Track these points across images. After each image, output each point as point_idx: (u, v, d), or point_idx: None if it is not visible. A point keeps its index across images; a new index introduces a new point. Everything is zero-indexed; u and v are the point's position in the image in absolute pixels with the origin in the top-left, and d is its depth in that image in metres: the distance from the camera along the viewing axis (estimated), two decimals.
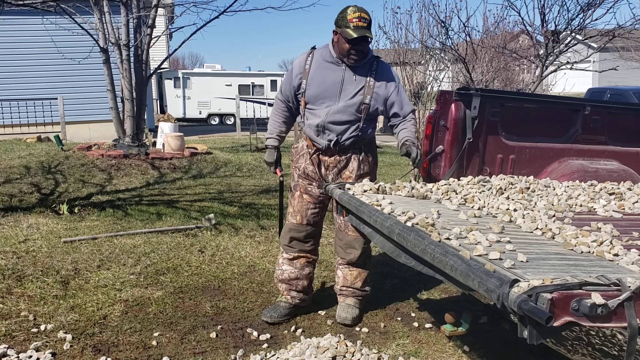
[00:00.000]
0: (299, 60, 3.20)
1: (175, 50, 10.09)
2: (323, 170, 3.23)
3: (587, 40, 8.11)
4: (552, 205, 2.76)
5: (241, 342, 3.01)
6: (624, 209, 2.78)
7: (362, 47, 3.00)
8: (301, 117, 3.25)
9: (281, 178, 3.50)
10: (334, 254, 4.56)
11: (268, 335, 3.08)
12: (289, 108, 3.33)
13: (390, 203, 2.61)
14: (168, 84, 23.09)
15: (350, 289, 3.33)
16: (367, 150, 3.25)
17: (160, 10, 11.15)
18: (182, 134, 9.27)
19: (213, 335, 3.06)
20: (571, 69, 7.38)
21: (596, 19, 7.26)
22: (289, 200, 3.38)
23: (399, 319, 3.35)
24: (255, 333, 3.10)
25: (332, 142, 3.13)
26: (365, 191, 2.95)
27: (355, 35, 2.90)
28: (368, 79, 3.09)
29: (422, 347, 2.99)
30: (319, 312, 3.42)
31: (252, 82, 23.48)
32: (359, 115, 3.11)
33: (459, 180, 3.24)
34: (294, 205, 3.31)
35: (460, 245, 1.97)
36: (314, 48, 3.18)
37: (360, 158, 3.21)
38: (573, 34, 7.51)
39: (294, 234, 3.29)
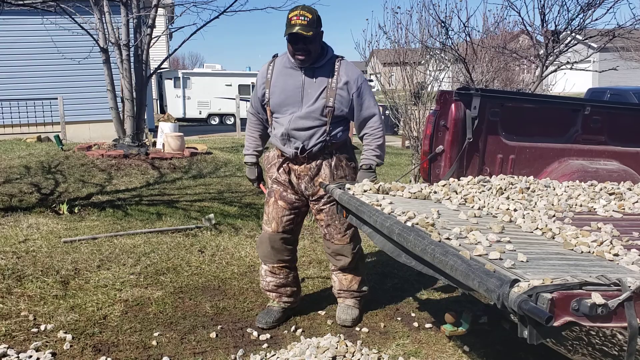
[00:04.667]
0: (261, 70, 3.15)
1: (175, 50, 10.11)
2: (294, 179, 3.15)
3: (587, 40, 8.10)
4: (552, 205, 2.76)
5: (241, 342, 3.01)
6: (624, 209, 2.78)
7: (303, 44, 2.89)
8: (270, 128, 3.19)
9: (268, 196, 3.40)
10: None
11: (268, 335, 3.08)
12: (261, 121, 3.26)
13: (390, 203, 2.61)
14: (168, 84, 23.08)
15: (347, 292, 3.31)
16: (341, 154, 3.13)
17: (160, 10, 11.14)
18: (182, 134, 9.27)
19: (213, 335, 3.06)
20: (571, 69, 7.38)
21: (596, 19, 7.24)
22: (264, 207, 3.30)
23: (399, 319, 3.35)
24: (255, 333, 3.10)
25: (299, 150, 3.03)
26: (365, 191, 2.95)
27: (290, 31, 2.84)
28: (330, 80, 2.99)
29: (422, 347, 2.99)
30: (319, 312, 3.42)
31: (252, 82, 23.39)
32: (324, 119, 3.01)
33: (459, 180, 3.24)
34: (268, 213, 3.23)
35: (460, 245, 1.97)
36: (275, 56, 3.12)
37: (333, 163, 3.10)
38: (573, 34, 7.51)
39: (270, 244, 3.21)
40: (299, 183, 3.14)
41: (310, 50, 2.92)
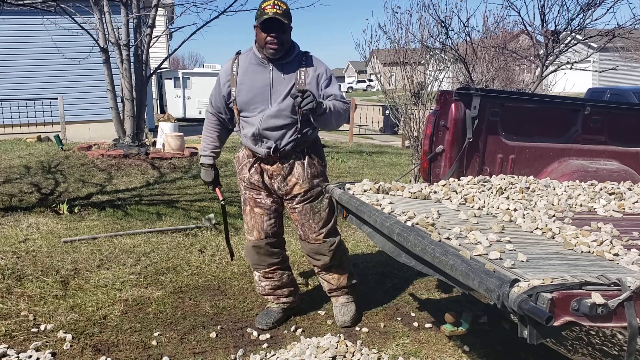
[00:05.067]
0: (225, 68, 3.04)
1: (175, 50, 10.10)
2: (267, 179, 3.08)
3: (587, 40, 8.11)
4: (552, 205, 2.76)
5: (241, 342, 3.01)
6: (624, 209, 2.78)
7: (278, 32, 2.81)
8: (237, 127, 3.09)
9: (222, 202, 3.36)
10: None
11: (268, 335, 3.08)
12: (221, 121, 3.16)
13: (390, 203, 2.61)
14: (168, 84, 23.07)
15: (338, 289, 3.29)
16: (312, 152, 3.09)
17: (160, 10, 11.14)
18: (182, 133, 9.26)
19: (213, 335, 3.06)
20: (571, 69, 7.38)
21: (596, 19, 7.25)
22: (243, 216, 3.25)
23: (399, 319, 3.35)
24: (255, 333, 3.10)
25: (272, 150, 2.96)
26: (365, 191, 2.95)
27: (266, 17, 2.75)
28: (298, 76, 2.92)
29: (422, 347, 2.99)
30: (319, 312, 3.42)
31: None
32: (295, 117, 2.93)
33: (459, 180, 3.24)
34: (247, 222, 3.17)
35: (460, 245, 1.97)
36: (238, 53, 3.04)
37: (306, 162, 3.05)
38: (573, 34, 7.51)
39: (256, 252, 3.17)
40: (272, 183, 3.08)
41: (283, 41, 2.84)
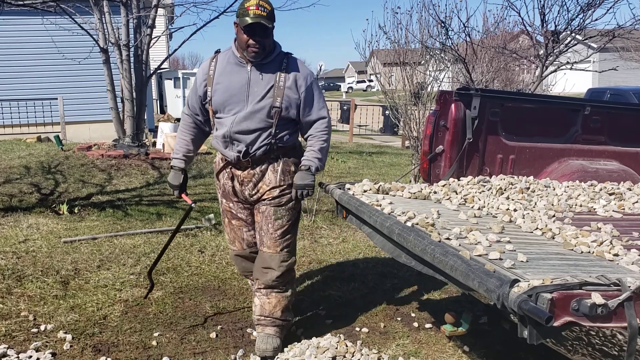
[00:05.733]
0: (202, 67, 2.92)
1: (175, 50, 10.11)
2: (237, 185, 2.89)
3: (587, 41, 8.11)
4: (552, 205, 2.76)
5: (241, 342, 3.01)
6: (624, 209, 2.79)
7: (261, 37, 2.67)
8: (213, 128, 2.93)
9: (193, 205, 3.07)
10: (329, 255, 4.56)
11: None
12: (197, 123, 2.99)
13: (390, 203, 2.62)
14: (168, 84, 23.06)
15: (268, 319, 2.90)
16: (287, 159, 2.87)
17: (160, 11, 11.14)
18: None
19: (213, 335, 3.06)
20: (571, 69, 7.39)
21: (596, 19, 7.27)
22: (223, 225, 3.14)
23: (399, 319, 3.35)
24: (255, 333, 3.10)
25: (242, 154, 2.77)
26: (365, 191, 2.96)
27: (250, 22, 2.60)
28: (278, 78, 2.75)
29: (422, 347, 2.99)
30: (319, 312, 3.42)
31: None
32: (270, 120, 2.75)
33: (459, 180, 3.24)
34: (228, 233, 3.08)
35: (460, 245, 1.97)
36: (217, 52, 2.91)
37: (280, 168, 2.84)
38: (573, 34, 7.52)
39: (242, 261, 3.09)
40: (243, 190, 2.89)
41: (265, 46, 2.71)
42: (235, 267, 3.21)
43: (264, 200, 2.86)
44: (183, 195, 3.06)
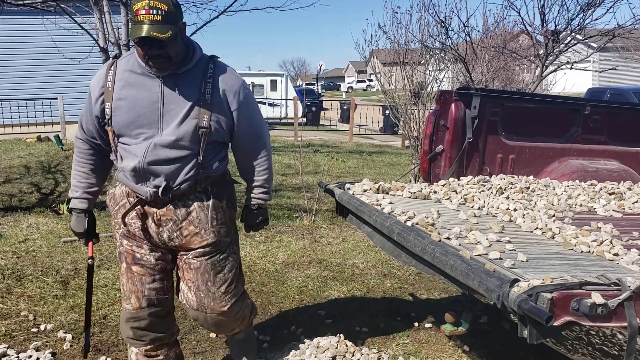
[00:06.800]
0: (96, 78, 2.23)
1: None
2: (152, 226, 2.24)
3: (587, 40, 8.11)
4: (552, 205, 2.76)
5: None
6: (624, 208, 2.79)
7: (159, 49, 2.03)
8: (114, 156, 2.28)
9: (90, 261, 2.51)
10: (329, 254, 4.56)
11: (268, 337, 3.07)
12: (96, 149, 2.33)
13: (390, 203, 2.62)
14: None
15: (236, 333, 2.59)
16: (218, 191, 2.30)
17: None
18: None
19: (213, 335, 3.06)
20: (571, 68, 7.39)
21: (596, 19, 7.26)
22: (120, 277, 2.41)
23: (399, 319, 3.35)
24: (255, 333, 3.09)
25: (160, 190, 2.16)
26: (365, 191, 2.96)
27: (140, 34, 1.98)
28: (201, 91, 2.15)
29: (422, 347, 2.99)
30: (319, 312, 3.42)
31: (252, 82, 23.46)
32: (196, 147, 2.16)
33: (459, 180, 3.24)
34: (124, 285, 2.33)
35: (460, 245, 1.97)
36: (116, 57, 2.26)
37: (210, 204, 2.26)
38: (573, 34, 7.52)
39: (134, 324, 2.32)
40: (160, 232, 2.24)
41: (170, 55, 2.07)
42: (121, 332, 2.43)
43: (195, 250, 2.28)
44: (90, 245, 2.47)
